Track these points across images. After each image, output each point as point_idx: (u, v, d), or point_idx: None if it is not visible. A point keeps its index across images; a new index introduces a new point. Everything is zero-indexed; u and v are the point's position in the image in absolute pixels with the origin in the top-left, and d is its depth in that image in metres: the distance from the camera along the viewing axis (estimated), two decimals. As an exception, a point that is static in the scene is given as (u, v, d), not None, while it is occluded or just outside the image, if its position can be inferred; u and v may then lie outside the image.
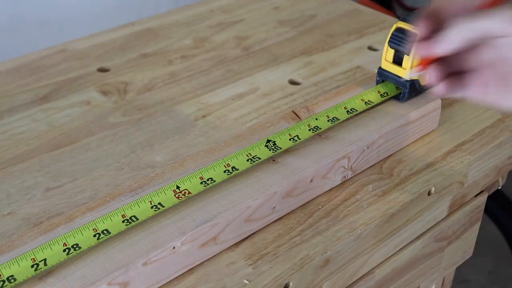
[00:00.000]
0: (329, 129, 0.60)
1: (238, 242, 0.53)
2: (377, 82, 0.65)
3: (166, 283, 0.49)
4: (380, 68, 0.65)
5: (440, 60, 0.49)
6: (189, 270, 0.50)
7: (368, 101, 0.63)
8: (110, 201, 0.51)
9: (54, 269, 0.45)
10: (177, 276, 0.49)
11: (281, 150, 0.56)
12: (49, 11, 1.14)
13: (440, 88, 0.49)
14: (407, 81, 0.62)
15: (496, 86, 0.49)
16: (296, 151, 0.58)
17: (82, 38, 0.87)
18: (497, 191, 0.76)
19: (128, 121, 0.68)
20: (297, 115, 0.62)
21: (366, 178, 0.60)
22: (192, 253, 0.49)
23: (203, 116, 0.69)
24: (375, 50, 0.84)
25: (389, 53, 0.63)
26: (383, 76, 0.64)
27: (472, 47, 0.48)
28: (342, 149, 0.58)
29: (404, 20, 0.62)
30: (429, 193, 0.60)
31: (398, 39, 0.62)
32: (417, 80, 0.63)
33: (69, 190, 0.58)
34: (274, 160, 0.57)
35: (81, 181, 0.59)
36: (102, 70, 0.79)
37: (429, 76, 0.49)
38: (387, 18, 0.94)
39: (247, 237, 0.53)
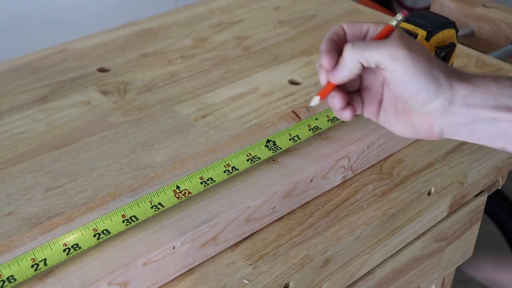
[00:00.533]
0: (329, 129, 0.60)
1: (238, 242, 0.53)
2: None
3: (166, 283, 0.49)
4: None
5: (340, 86, 0.51)
6: (189, 270, 0.50)
7: None
8: (110, 201, 0.51)
9: (54, 269, 0.45)
10: (177, 276, 0.49)
11: (281, 150, 0.56)
12: (49, 11, 1.14)
13: (345, 114, 0.51)
14: None
15: (383, 111, 0.52)
16: (296, 151, 0.58)
17: (82, 38, 0.87)
18: (497, 191, 0.76)
19: (128, 121, 0.68)
20: (297, 115, 0.62)
21: (366, 178, 0.60)
22: (192, 253, 0.49)
23: (203, 116, 0.69)
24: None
25: None
26: None
27: (365, 71, 0.50)
28: (342, 149, 0.58)
29: (404, 20, 0.62)
30: (429, 193, 0.60)
31: None
32: None
33: (69, 190, 0.58)
34: (274, 160, 0.57)
35: (81, 181, 0.59)
36: (102, 70, 0.79)
37: (332, 104, 0.51)
38: (387, 18, 0.94)
39: (247, 237, 0.53)
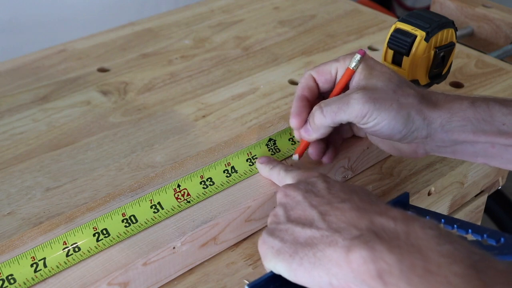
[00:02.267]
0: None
1: (238, 242, 0.53)
2: None
3: (166, 283, 0.49)
4: None
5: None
6: (189, 270, 0.50)
7: None
8: (110, 201, 0.51)
9: (54, 269, 0.45)
10: (177, 276, 0.49)
11: (279, 152, 0.56)
12: (49, 11, 1.15)
13: (325, 160, 0.55)
14: None
15: (369, 136, 0.56)
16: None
17: (82, 38, 0.87)
18: (497, 191, 0.76)
19: (128, 121, 0.68)
20: (297, 115, 0.62)
21: (366, 178, 0.60)
22: (192, 253, 0.49)
23: (203, 116, 0.69)
24: (375, 50, 0.84)
25: (388, 54, 0.64)
26: None
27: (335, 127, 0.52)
28: (342, 149, 0.58)
29: (403, 20, 0.63)
30: (429, 193, 0.60)
31: (397, 40, 0.62)
32: (416, 80, 0.63)
33: (69, 190, 0.58)
34: (274, 160, 0.56)
35: (81, 181, 0.59)
36: (102, 70, 0.79)
37: (311, 156, 0.54)
38: (387, 18, 0.94)
39: (247, 237, 0.53)
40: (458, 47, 0.85)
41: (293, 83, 0.76)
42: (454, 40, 0.64)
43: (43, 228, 0.48)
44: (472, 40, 0.93)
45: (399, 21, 0.63)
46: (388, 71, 0.51)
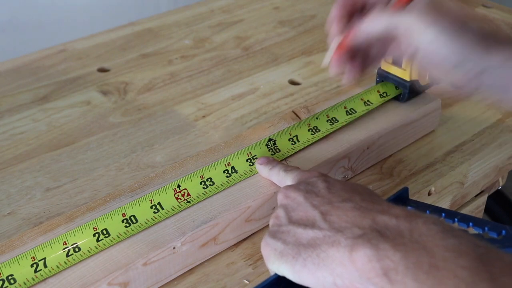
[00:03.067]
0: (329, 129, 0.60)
1: (238, 242, 0.53)
2: (377, 83, 0.65)
3: (166, 283, 0.49)
4: (379, 68, 0.65)
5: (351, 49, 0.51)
6: (189, 270, 0.50)
7: (368, 101, 0.63)
8: (110, 201, 0.51)
9: (54, 269, 0.45)
10: (177, 276, 0.49)
11: (279, 152, 0.56)
12: (49, 12, 1.15)
13: (345, 80, 0.53)
14: (407, 81, 0.62)
15: None
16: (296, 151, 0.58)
17: (82, 38, 0.87)
18: (497, 191, 0.76)
19: (128, 121, 0.68)
20: (297, 115, 0.62)
21: (366, 178, 0.60)
22: (192, 253, 0.49)
23: (203, 116, 0.69)
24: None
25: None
26: (382, 76, 0.65)
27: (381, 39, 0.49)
28: (342, 149, 0.58)
29: None
30: (429, 193, 0.60)
31: None
32: (417, 80, 0.63)
33: (69, 190, 0.58)
34: (274, 160, 0.56)
35: (81, 181, 0.59)
36: (102, 70, 0.79)
37: (334, 63, 0.52)
38: (387, 18, 0.94)
39: (247, 237, 0.53)
40: (458, 47, 0.85)
41: (293, 83, 0.76)
42: None
43: (43, 228, 0.48)
44: (472, 40, 0.92)
45: None
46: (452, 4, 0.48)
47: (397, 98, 0.64)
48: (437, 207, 0.51)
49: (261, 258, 0.51)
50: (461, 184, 0.64)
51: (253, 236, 0.53)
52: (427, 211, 0.50)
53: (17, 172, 0.60)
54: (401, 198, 0.52)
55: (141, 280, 0.47)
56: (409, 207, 0.51)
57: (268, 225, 0.54)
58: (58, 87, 0.75)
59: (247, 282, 0.49)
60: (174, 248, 0.48)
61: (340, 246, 0.38)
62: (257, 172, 0.54)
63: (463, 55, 0.45)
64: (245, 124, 0.68)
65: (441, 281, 0.33)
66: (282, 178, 0.51)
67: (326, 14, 0.94)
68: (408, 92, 0.63)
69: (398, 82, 0.63)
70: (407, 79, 0.62)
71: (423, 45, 0.46)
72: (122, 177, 0.60)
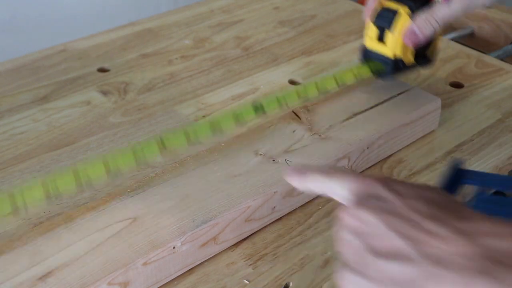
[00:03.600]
0: (329, 128, 0.60)
1: (238, 242, 0.53)
2: (361, 60, 0.65)
3: (166, 283, 0.49)
4: (363, 45, 0.64)
5: None
6: (189, 270, 0.50)
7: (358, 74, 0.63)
8: (110, 201, 0.51)
9: (54, 269, 0.45)
10: (177, 276, 0.49)
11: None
12: (49, 11, 1.15)
13: None
14: (390, 58, 0.62)
15: None
16: (296, 151, 0.58)
17: (82, 38, 0.87)
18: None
19: (128, 121, 0.68)
20: (297, 115, 0.62)
21: (366, 178, 0.60)
22: (192, 253, 0.49)
23: (203, 116, 0.69)
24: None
25: (372, 31, 0.63)
26: (365, 54, 0.65)
27: None
28: (342, 149, 0.58)
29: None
30: (429, 193, 0.60)
31: (381, 16, 0.62)
32: (400, 59, 0.62)
33: (69, 190, 0.58)
34: (274, 160, 0.57)
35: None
36: (102, 70, 0.79)
37: None
38: (387, 18, 0.94)
39: (247, 237, 0.53)
40: (458, 47, 0.85)
41: (293, 83, 0.76)
42: None
43: (43, 228, 0.48)
44: (472, 40, 0.93)
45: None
46: None
47: (381, 75, 0.64)
48: (491, 174, 0.47)
49: (261, 258, 0.51)
50: (461, 184, 0.64)
51: (253, 236, 0.53)
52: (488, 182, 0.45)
53: (17, 172, 0.60)
54: (457, 177, 0.48)
55: (141, 280, 0.47)
56: (468, 182, 0.46)
57: (267, 225, 0.54)
58: (58, 87, 0.75)
59: (247, 282, 0.49)
60: (174, 248, 0.48)
61: (447, 283, 0.31)
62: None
63: None
64: (245, 124, 0.68)
65: None
66: (328, 187, 0.41)
67: (326, 14, 0.95)
68: (391, 68, 0.62)
69: (381, 59, 0.63)
70: (390, 56, 0.62)
71: None
72: (122, 177, 0.60)
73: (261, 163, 0.56)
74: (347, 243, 0.36)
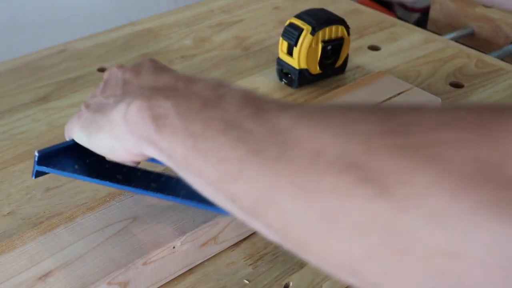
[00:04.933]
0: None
1: (238, 242, 0.53)
2: (277, 71, 0.75)
3: (166, 282, 0.49)
4: (278, 58, 0.74)
5: None
6: (189, 270, 0.50)
7: None
8: (110, 201, 0.51)
9: (54, 269, 0.45)
10: (177, 276, 0.49)
11: None
12: (49, 11, 1.15)
13: None
14: (296, 69, 0.72)
15: None
16: (296, 151, 0.58)
17: (82, 38, 0.87)
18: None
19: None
20: (297, 115, 0.62)
21: (366, 178, 0.60)
22: (192, 253, 0.49)
23: (203, 116, 0.69)
24: (375, 50, 0.84)
25: (283, 45, 0.73)
26: (280, 65, 0.74)
27: None
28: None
29: (297, 16, 0.72)
30: (429, 193, 0.60)
31: (288, 33, 0.71)
32: (306, 69, 0.72)
33: (69, 190, 0.58)
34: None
35: (81, 181, 0.59)
36: (102, 70, 0.79)
37: None
38: (387, 18, 0.94)
39: (247, 237, 0.53)
40: (458, 47, 0.85)
41: (293, 83, 0.76)
42: (345, 36, 0.72)
43: (43, 228, 0.48)
44: (472, 40, 0.93)
45: (294, 17, 0.72)
46: None
47: (289, 85, 0.74)
48: None
49: (261, 258, 0.51)
50: (461, 184, 0.64)
51: (253, 236, 0.53)
52: None
53: (17, 172, 0.60)
54: None
55: (141, 280, 0.47)
56: None
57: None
58: (58, 87, 0.75)
59: (247, 282, 0.49)
60: (174, 247, 0.48)
61: (121, 106, 0.39)
62: None
63: None
64: (245, 124, 0.68)
65: (210, 116, 0.34)
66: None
67: (326, 14, 0.94)
68: (298, 78, 0.72)
69: (290, 70, 0.72)
70: (297, 67, 0.71)
71: None
72: (122, 177, 0.60)
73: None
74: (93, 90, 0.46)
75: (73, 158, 0.47)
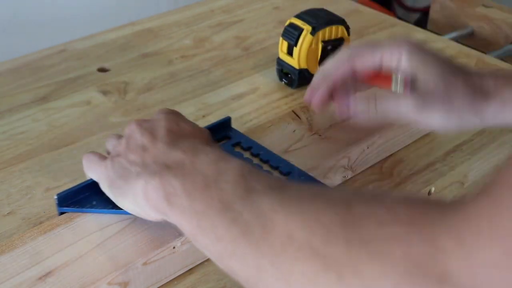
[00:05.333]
0: (329, 128, 0.60)
1: (238, 242, 0.53)
2: (277, 71, 0.75)
3: (166, 282, 0.49)
4: (278, 58, 0.74)
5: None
6: (189, 270, 0.50)
7: None
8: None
9: (54, 269, 0.45)
10: (177, 276, 0.49)
11: None
12: (49, 11, 1.15)
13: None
14: (296, 69, 0.71)
15: None
16: (295, 151, 0.58)
17: (82, 38, 0.87)
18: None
19: (128, 121, 0.68)
20: (297, 115, 0.62)
21: (366, 178, 0.60)
22: (192, 253, 0.49)
23: (203, 116, 0.69)
24: (375, 50, 0.84)
25: (283, 45, 0.72)
26: (280, 65, 0.74)
27: None
28: (342, 149, 0.58)
29: (297, 16, 0.72)
30: (429, 193, 0.60)
31: (288, 33, 0.71)
32: (306, 69, 0.71)
33: (69, 190, 0.58)
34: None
35: (81, 181, 0.59)
36: (102, 70, 0.79)
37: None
38: (387, 18, 0.94)
39: (247, 237, 0.53)
40: (458, 47, 0.85)
41: (293, 83, 0.76)
42: (346, 36, 0.72)
43: (43, 228, 0.48)
44: (472, 40, 0.93)
45: (294, 17, 0.72)
46: (438, 61, 0.51)
47: (289, 84, 0.73)
48: (249, 139, 0.58)
49: (261, 258, 0.51)
50: (461, 184, 0.64)
51: (253, 236, 0.53)
52: (241, 142, 0.58)
53: (17, 172, 0.60)
54: (224, 125, 0.60)
55: (141, 280, 0.47)
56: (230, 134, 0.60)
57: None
58: (58, 87, 0.75)
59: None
60: (174, 247, 0.48)
61: (140, 183, 0.44)
62: None
63: (459, 127, 0.50)
64: (245, 124, 0.68)
65: (210, 195, 0.39)
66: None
67: (326, 14, 0.94)
68: (298, 79, 0.72)
69: (290, 70, 0.72)
70: (297, 67, 0.71)
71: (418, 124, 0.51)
72: (122, 177, 0.60)
73: (261, 163, 0.56)
74: (118, 142, 0.50)
75: (90, 194, 0.51)
